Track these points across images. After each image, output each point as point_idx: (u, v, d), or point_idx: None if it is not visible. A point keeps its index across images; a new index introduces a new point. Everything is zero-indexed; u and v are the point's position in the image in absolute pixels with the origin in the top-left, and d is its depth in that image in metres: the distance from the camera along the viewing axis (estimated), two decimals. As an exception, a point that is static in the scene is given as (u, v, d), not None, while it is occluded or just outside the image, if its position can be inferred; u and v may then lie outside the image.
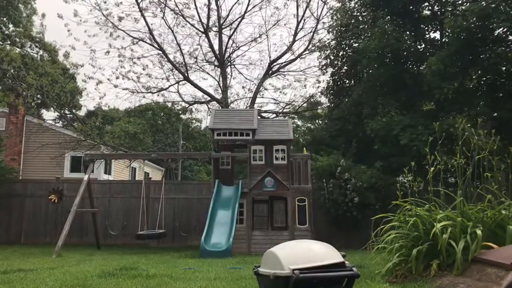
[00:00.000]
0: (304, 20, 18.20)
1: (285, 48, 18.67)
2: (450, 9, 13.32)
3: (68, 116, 20.23)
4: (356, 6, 15.72)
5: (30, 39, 26.02)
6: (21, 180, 15.46)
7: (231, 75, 19.01)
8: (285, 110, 19.84)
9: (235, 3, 18.11)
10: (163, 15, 17.48)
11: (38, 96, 17.19)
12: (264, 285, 3.73)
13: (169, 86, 18.79)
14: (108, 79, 19.70)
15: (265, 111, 19.24)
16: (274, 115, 19.47)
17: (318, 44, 17.72)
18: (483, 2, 10.67)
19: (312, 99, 19.84)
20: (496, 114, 11.70)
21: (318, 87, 25.34)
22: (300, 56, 18.74)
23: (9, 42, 23.66)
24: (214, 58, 18.66)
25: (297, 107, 20.12)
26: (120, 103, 62.00)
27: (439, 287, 4.03)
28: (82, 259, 8.19)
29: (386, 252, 4.95)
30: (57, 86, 17.27)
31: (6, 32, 25.00)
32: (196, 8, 17.92)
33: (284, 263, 3.32)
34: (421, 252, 4.49)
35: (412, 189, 5.51)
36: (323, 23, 18.06)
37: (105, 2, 17.93)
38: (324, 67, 16.95)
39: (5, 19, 25.50)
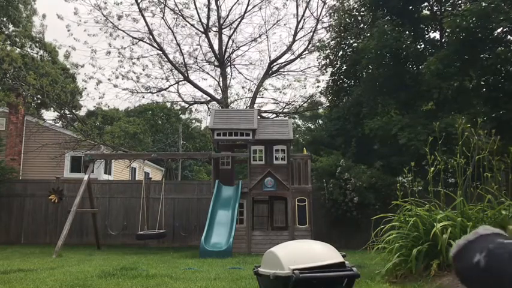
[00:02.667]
0: (304, 19, 18.23)
1: (284, 48, 18.70)
2: (450, 9, 13.33)
3: (68, 116, 20.22)
4: (355, 6, 15.73)
5: (30, 39, 26.02)
6: (21, 180, 15.44)
7: (231, 75, 19.03)
8: (285, 110, 19.84)
9: (235, 3, 18.11)
10: (163, 15, 17.51)
11: (38, 96, 17.18)
12: (264, 285, 3.74)
13: (169, 86, 18.81)
14: (108, 79, 19.72)
15: (265, 111, 19.25)
16: (274, 115, 19.47)
17: (318, 44, 17.74)
18: (482, 2, 10.67)
19: (311, 99, 19.85)
20: (495, 114, 11.71)
21: (318, 87, 25.43)
22: (299, 56, 18.76)
23: (9, 42, 23.66)
24: (214, 58, 18.67)
25: (297, 107, 20.13)
26: (120, 103, 62.06)
27: (439, 287, 4.03)
28: (82, 259, 8.19)
29: (386, 252, 4.96)
30: (57, 86, 17.25)
31: (6, 32, 24.99)
32: (196, 8, 17.91)
33: (284, 263, 3.33)
34: (421, 252, 4.49)
35: (412, 189, 5.51)
36: (322, 22, 18.10)
37: (105, 3, 17.98)
38: (324, 67, 16.96)
39: (5, 19, 25.50)
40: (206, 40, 18.22)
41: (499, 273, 0.59)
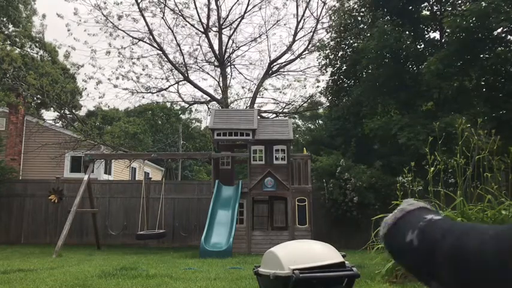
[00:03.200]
0: (304, 19, 18.21)
1: (284, 48, 18.69)
2: (449, 9, 13.33)
3: (68, 116, 20.22)
4: (355, 6, 15.73)
5: (30, 39, 26.03)
6: (21, 180, 15.44)
7: (231, 75, 19.02)
8: (285, 110, 19.84)
9: (235, 3, 18.10)
10: (163, 15, 17.50)
11: (38, 96, 17.18)
12: (264, 285, 3.74)
13: (169, 86, 18.80)
14: (108, 79, 19.71)
15: (265, 111, 19.24)
16: (274, 115, 19.47)
17: (318, 44, 17.73)
18: (482, 2, 10.67)
19: (311, 99, 19.85)
20: (495, 114, 11.71)
21: (318, 87, 25.41)
22: (299, 56, 18.75)
23: (9, 42, 23.67)
24: (214, 58, 18.66)
25: (297, 106, 20.13)
26: (120, 103, 62.03)
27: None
28: (82, 259, 8.19)
29: (387, 252, 4.95)
30: (57, 86, 17.25)
31: (6, 32, 25.00)
32: (196, 8, 17.89)
33: (284, 263, 3.33)
34: (421, 252, 4.48)
35: (412, 189, 5.51)
36: (322, 23, 18.09)
37: (105, 3, 17.98)
38: (324, 67, 16.96)
39: (5, 19, 25.50)
40: (206, 40, 18.22)
41: (432, 251, 0.63)
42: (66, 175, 17.96)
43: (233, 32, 18.30)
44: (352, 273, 3.38)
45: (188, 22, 18.09)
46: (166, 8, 17.49)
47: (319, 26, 17.99)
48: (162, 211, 11.03)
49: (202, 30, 18.02)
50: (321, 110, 22.12)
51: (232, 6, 20.29)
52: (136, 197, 12.06)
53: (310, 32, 18.27)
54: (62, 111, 19.15)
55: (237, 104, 19.29)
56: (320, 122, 26.34)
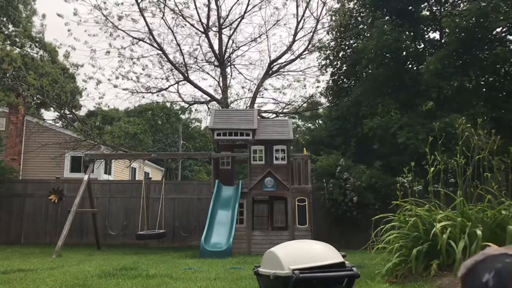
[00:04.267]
0: (304, 19, 18.18)
1: (284, 48, 18.67)
2: (449, 9, 13.32)
3: (68, 116, 20.21)
4: (355, 7, 15.72)
5: (30, 39, 26.03)
6: (21, 180, 15.44)
7: (231, 75, 19.01)
8: (284, 110, 19.83)
9: (235, 3, 18.09)
10: (163, 15, 17.49)
11: (38, 96, 17.17)
12: (264, 285, 3.74)
13: (169, 86, 18.79)
14: (108, 79, 19.72)
15: (265, 111, 19.24)
16: (274, 115, 19.46)
17: (318, 44, 17.71)
18: (481, 2, 10.66)
19: (311, 99, 19.84)
20: (495, 114, 11.71)
21: (318, 87, 25.39)
22: (299, 56, 18.73)
23: (9, 42, 23.67)
24: (214, 58, 18.66)
25: (297, 107, 20.12)
26: (120, 103, 62.04)
27: (439, 287, 4.03)
28: (82, 259, 8.20)
29: (386, 252, 4.96)
30: (57, 86, 17.24)
31: (6, 32, 25.01)
32: (196, 8, 17.88)
33: (284, 263, 3.33)
34: (421, 252, 4.49)
35: (412, 189, 5.51)
36: (322, 23, 18.07)
37: (104, 3, 17.98)
38: (324, 67, 16.95)
39: (5, 19, 25.51)
40: (206, 40, 18.22)
41: None
42: (66, 175, 17.96)
43: (233, 32, 18.30)
44: (352, 273, 3.39)
45: (188, 22, 18.10)
46: (166, 8, 17.49)
47: (319, 26, 17.98)
48: (162, 211, 11.04)
49: (202, 30, 18.02)
50: (320, 110, 22.12)
51: (232, 6, 20.34)
52: (136, 197, 12.06)
53: (310, 32, 18.26)
54: (62, 111, 19.14)
55: (237, 104, 19.30)
56: (320, 122, 26.33)
